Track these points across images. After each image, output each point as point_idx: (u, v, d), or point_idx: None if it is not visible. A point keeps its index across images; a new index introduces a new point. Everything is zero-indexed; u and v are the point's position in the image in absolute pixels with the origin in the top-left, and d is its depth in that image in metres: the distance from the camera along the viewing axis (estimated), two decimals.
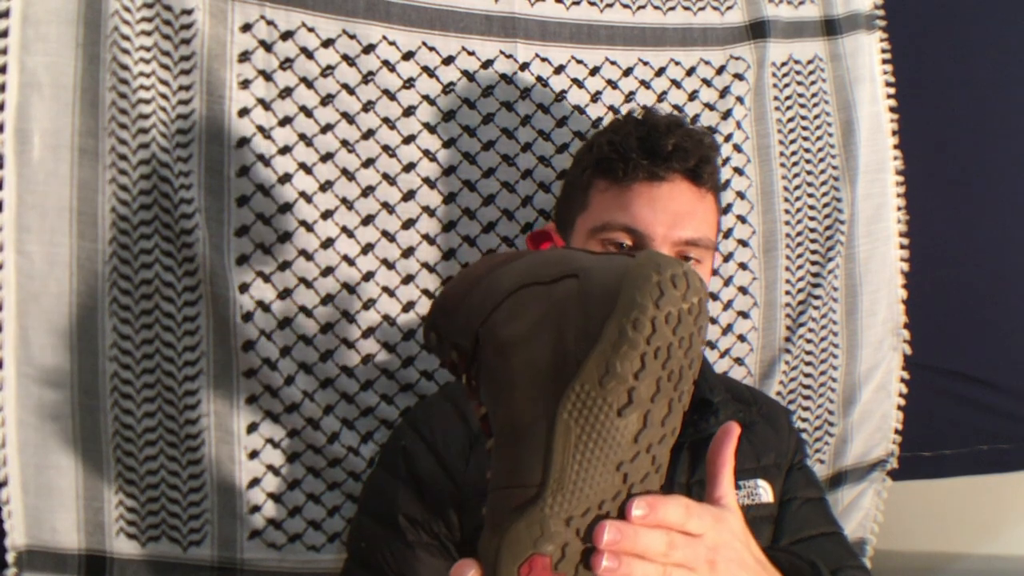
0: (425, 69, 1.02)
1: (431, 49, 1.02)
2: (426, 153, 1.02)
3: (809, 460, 1.01)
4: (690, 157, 0.84)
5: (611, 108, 1.10)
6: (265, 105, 0.96)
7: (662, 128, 0.86)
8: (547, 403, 0.46)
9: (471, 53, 1.04)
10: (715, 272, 1.14)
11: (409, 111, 1.01)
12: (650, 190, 0.84)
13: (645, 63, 1.12)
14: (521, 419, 0.47)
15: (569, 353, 0.46)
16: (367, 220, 1.00)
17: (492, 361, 0.50)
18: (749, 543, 0.53)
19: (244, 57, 0.95)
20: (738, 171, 1.16)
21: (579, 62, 1.09)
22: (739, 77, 1.16)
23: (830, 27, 1.22)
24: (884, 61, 1.24)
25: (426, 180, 1.02)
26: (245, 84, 0.95)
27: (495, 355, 0.50)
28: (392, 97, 1.01)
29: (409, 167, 1.02)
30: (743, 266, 1.16)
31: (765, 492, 0.85)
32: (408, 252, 1.01)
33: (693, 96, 1.14)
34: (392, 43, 1.01)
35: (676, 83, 1.13)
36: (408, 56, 1.01)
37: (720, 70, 1.15)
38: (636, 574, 0.46)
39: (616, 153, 0.85)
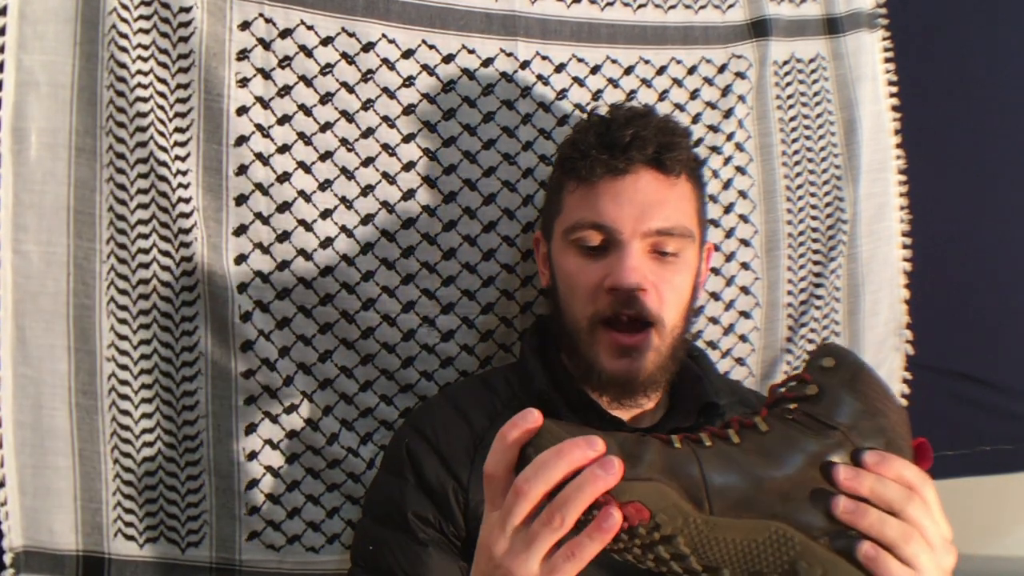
0: (425, 67, 1.01)
1: (431, 47, 1.02)
2: (426, 152, 1.02)
3: None
4: (647, 145, 0.83)
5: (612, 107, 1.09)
6: (264, 103, 0.96)
7: (620, 121, 0.85)
8: None
9: (471, 51, 1.03)
10: (717, 272, 1.13)
11: (409, 109, 1.01)
12: (614, 184, 0.83)
13: (646, 61, 1.12)
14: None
15: None
16: (366, 219, 0.99)
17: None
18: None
19: (242, 55, 0.95)
20: (740, 170, 1.15)
21: (580, 60, 1.08)
22: (741, 76, 1.15)
23: (832, 25, 1.22)
24: (886, 60, 1.23)
25: (426, 179, 1.02)
26: (243, 82, 0.95)
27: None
28: (392, 95, 1.00)
29: (409, 166, 1.01)
30: (745, 266, 1.15)
31: None
32: (408, 251, 1.01)
33: (694, 95, 1.13)
34: (392, 41, 1.00)
35: (677, 82, 1.13)
36: (408, 54, 1.01)
37: (722, 68, 1.15)
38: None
39: (577, 152, 0.85)
